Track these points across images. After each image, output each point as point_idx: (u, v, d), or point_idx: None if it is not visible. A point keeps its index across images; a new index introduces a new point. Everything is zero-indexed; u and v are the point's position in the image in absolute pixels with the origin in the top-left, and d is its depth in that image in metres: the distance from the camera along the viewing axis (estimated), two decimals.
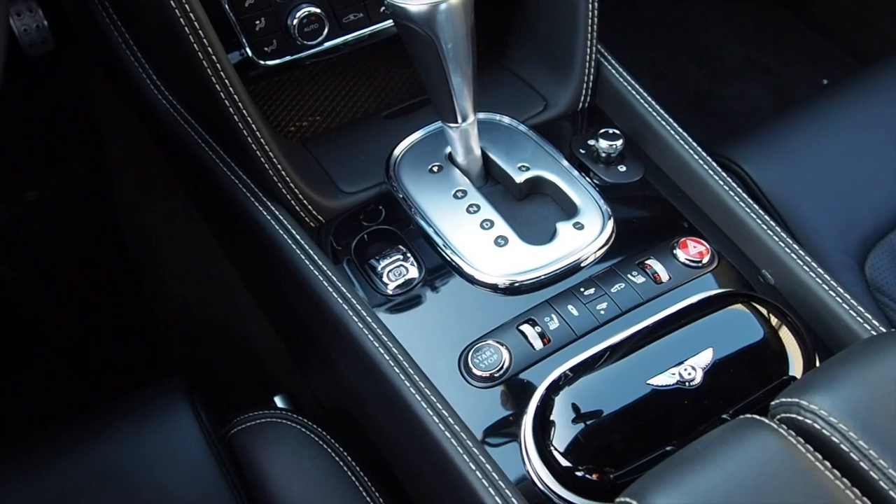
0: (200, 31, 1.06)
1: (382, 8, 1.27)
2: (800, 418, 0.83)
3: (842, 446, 0.80)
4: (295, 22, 1.21)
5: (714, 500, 0.76)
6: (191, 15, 1.04)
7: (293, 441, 1.23)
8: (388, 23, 1.29)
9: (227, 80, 1.09)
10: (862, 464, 0.79)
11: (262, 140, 1.14)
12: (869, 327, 1.07)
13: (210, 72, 1.08)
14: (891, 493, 0.77)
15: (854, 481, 0.78)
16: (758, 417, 0.84)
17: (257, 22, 1.20)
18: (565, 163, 1.23)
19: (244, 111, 1.11)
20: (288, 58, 1.26)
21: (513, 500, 0.93)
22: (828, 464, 0.79)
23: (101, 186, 2.07)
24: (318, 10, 1.22)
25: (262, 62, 1.24)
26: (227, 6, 1.18)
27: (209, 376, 1.91)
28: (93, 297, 1.99)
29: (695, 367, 0.98)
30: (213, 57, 1.07)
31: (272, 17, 1.20)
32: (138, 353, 1.94)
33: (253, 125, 1.13)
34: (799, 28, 2.61)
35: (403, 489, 1.28)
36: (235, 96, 1.10)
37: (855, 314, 1.08)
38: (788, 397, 0.86)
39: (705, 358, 0.99)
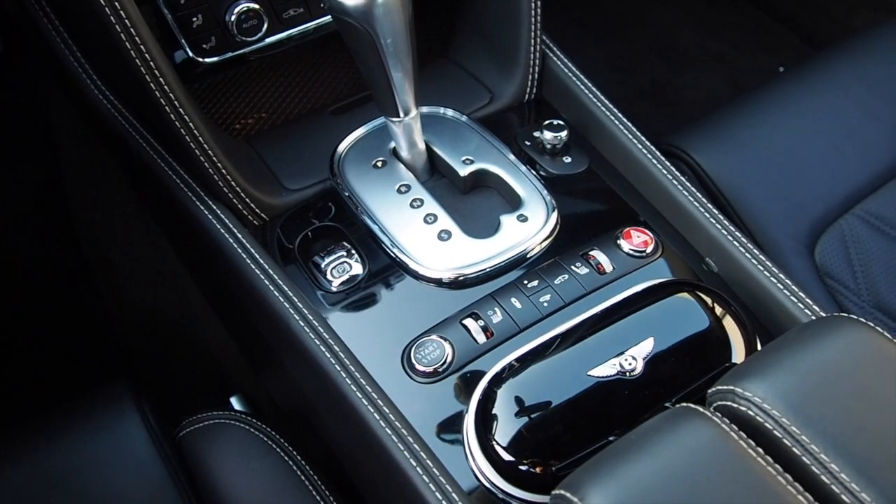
0: (132, 30, 1.04)
1: (322, 3, 1.26)
2: (734, 406, 0.83)
3: (775, 432, 0.80)
4: (233, 18, 1.20)
5: (647, 489, 0.76)
6: (121, 13, 1.03)
7: (242, 442, 1.22)
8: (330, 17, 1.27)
9: (162, 79, 1.08)
10: (794, 449, 0.79)
11: (200, 139, 1.12)
12: (810, 312, 1.07)
13: (144, 70, 1.06)
14: (822, 477, 0.77)
15: (787, 467, 0.78)
16: (693, 406, 0.84)
17: (194, 19, 1.18)
18: (511, 155, 1.23)
19: (181, 109, 1.10)
20: (228, 54, 1.24)
21: (454, 496, 0.93)
22: (760, 451, 0.79)
23: (55, 189, 2.05)
24: (256, 6, 1.20)
25: (201, 59, 1.22)
26: (162, 4, 1.16)
27: (166, 378, 1.89)
28: (48, 301, 1.96)
29: (635, 357, 0.98)
30: (147, 55, 1.06)
31: (209, 13, 1.19)
32: (95, 355, 1.92)
33: (191, 123, 1.11)
34: (755, 16, 2.62)
35: (356, 490, 1.27)
36: (171, 94, 1.09)
37: (796, 300, 1.08)
38: (724, 385, 0.86)
39: (646, 348, 0.99)
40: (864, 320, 0.89)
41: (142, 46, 1.05)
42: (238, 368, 1.88)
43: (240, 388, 1.80)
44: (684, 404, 0.85)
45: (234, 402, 1.62)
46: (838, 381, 0.84)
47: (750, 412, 0.82)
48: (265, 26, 1.23)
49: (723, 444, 0.79)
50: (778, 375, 0.84)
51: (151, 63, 1.06)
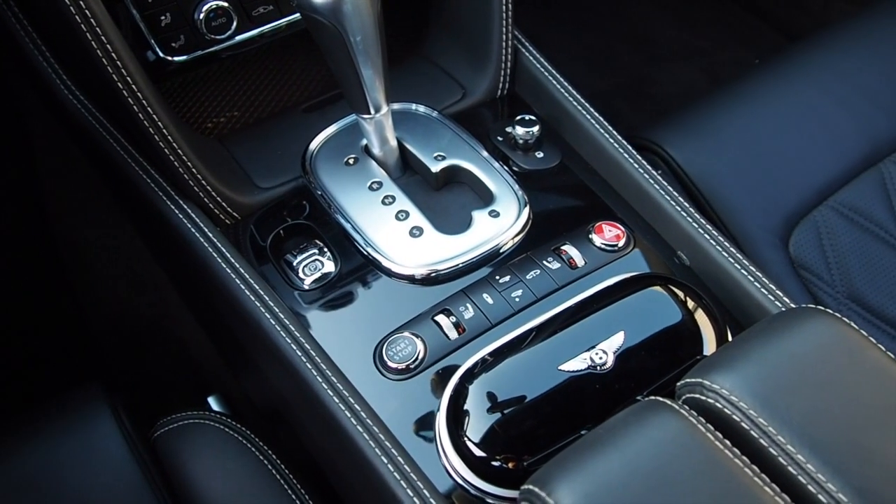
0: (98, 29, 1.03)
1: (291, 0, 1.25)
2: (702, 398, 0.84)
3: (742, 424, 0.81)
4: (202, 16, 1.19)
5: (614, 482, 0.76)
6: (86, 12, 1.02)
7: (217, 442, 1.21)
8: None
9: (129, 78, 1.07)
10: (762, 441, 0.79)
11: (169, 138, 1.11)
12: (780, 304, 1.08)
13: (111, 69, 1.06)
14: (789, 468, 0.78)
15: (754, 459, 0.78)
16: (661, 399, 0.84)
17: (162, 17, 1.18)
18: (483, 151, 1.23)
19: (149, 108, 1.09)
20: (198, 53, 1.24)
21: (425, 493, 0.93)
22: (728, 443, 0.79)
23: (30, 190, 2.03)
24: (224, 4, 1.20)
25: (170, 58, 1.22)
26: (129, 3, 1.15)
27: (143, 378, 1.89)
28: (22, 302, 1.95)
29: (606, 351, 0.98)
30: (114, 55, 1.05)
31: (177, 12, 1.18)
32: (70, 356, 1.91)
33: (160, 122, 1.10)
34: (732, 9, 2.63)
35: (333, 489, 1.27)
36: (140, 94, 1.08)
37: (767, 292, 1.09)
38: (692, 378, 0.86)
39: (616, 341, 0.99)
40: (831, 311, 0.89)
41: (108, 46, 1.04)
42: (215, 368, 1.87)
43: (217, 388, 1.79)
44: (653, 398, 0.85)
45: (212, 403, 1.61)
46: (805, 373, 0.84)
47: (718, 404, 0.82)
48: (235, 24, 1.23)
49: (690, 436, 0.79)
50: (745, 368, 0.84)
51: (118, 62, 1.05)
